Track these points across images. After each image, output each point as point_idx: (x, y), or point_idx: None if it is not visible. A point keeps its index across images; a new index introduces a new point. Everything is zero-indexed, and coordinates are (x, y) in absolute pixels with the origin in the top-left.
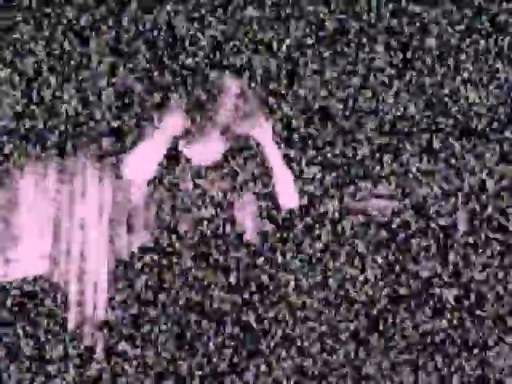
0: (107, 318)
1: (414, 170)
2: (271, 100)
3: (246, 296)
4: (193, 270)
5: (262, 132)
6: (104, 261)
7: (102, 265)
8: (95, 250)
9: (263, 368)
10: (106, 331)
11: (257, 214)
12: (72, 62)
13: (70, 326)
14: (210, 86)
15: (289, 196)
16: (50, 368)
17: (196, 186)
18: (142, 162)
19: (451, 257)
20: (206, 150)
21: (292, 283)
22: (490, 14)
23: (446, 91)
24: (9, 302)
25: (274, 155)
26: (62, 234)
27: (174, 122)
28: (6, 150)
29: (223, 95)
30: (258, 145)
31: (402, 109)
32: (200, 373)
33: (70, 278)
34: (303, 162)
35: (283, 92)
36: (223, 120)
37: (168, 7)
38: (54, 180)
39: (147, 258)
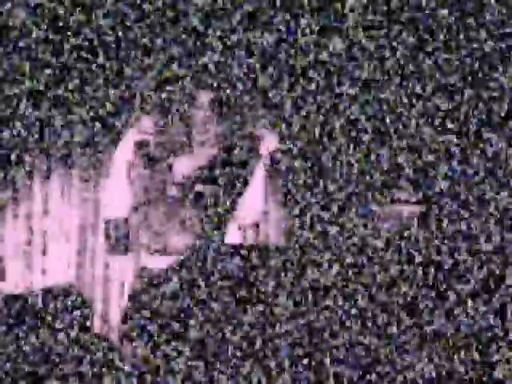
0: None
1: None
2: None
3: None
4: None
5: (263, 143)
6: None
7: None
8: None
9: None
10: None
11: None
12: None
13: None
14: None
15: (252, 210)
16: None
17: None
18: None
19: None
20: (192, 161)
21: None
22: None
23: None
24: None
25: (260, 168)
26: (88, 242)
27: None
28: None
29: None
30: (250, 152)
31: None
32: None
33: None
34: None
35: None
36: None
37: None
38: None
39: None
